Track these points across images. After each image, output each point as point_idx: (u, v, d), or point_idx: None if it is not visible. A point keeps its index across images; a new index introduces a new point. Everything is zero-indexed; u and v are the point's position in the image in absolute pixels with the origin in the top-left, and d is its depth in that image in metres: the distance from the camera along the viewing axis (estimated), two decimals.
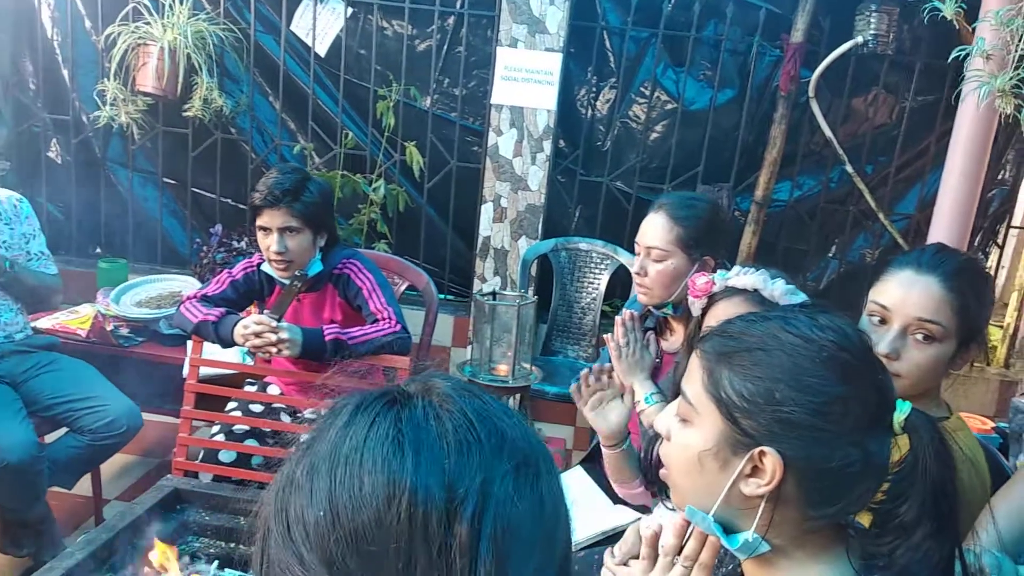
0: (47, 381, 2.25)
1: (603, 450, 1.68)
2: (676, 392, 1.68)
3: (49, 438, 2.29)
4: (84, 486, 2.46)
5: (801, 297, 1.37)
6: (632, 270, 1.77)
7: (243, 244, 3.46)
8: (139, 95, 3.46)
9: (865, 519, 0.89)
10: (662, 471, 0.95)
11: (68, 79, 3.65)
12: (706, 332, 0.96)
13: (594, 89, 3.62)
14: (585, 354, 3.25)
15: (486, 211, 3.54)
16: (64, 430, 2.26)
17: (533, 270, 3.38)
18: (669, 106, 3.59)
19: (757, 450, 0.83)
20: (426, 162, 3.54)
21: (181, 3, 3.39)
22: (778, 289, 1.36)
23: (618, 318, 1.80)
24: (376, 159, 3.63)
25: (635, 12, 3.46)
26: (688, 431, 0.89)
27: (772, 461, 0.83)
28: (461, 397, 0.57)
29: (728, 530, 0.88)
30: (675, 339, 1.82)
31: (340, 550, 0.51)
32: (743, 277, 1.40)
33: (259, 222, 2.04)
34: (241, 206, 3.76)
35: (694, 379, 0.90)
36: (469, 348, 3.67)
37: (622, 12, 3.52)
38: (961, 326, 1.26)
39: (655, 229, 1.74)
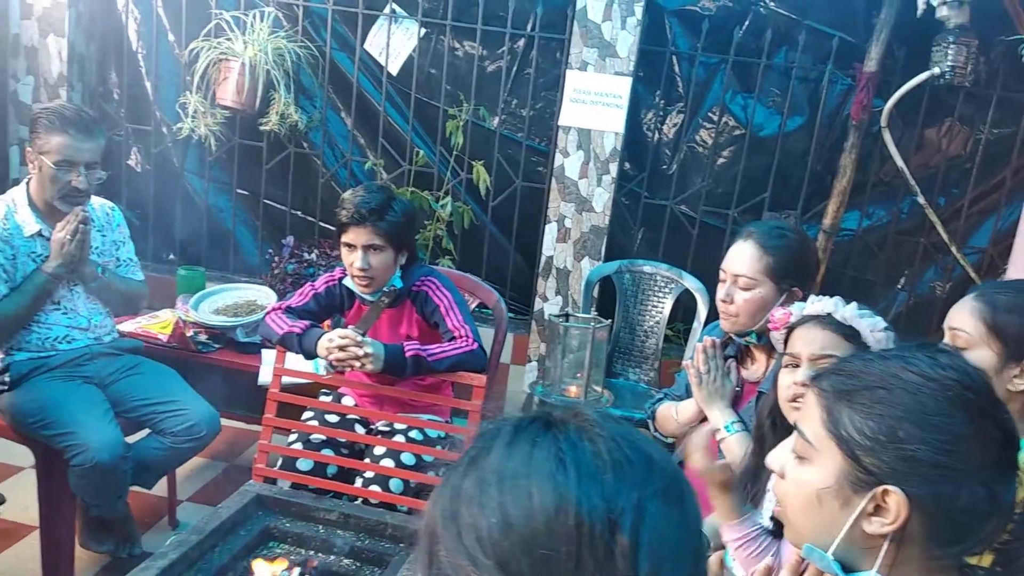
0: (132, 383, 2.33)
1: (720, 446, 1.68)
2: (759, 424, 1.68)
3: (131, 439, 2.36)
4: (159, 486, 2.54)
5: (875, 319, 1.37)
6: (717, 297, 1.77)
7: (313, 256, 3.54)
8: (218, 108, 3.58)
9: (987, 559, 0.89)
10: (776, 507, 0.96)
11: (151, 91, 3.79)
12: (821, 370, 0.97)
13: (661, 113, 3.64)
14: (647, 377, 3.24)
15: (550, 231, 3.57)
16: (146, 432, 2.33)
17: (595, 291, 3.39)
18: (737, 132, 3.59)
19: (880, 488, 0.84)
20: (492, 181, 3.59)
21: (262, 20, 3.51)
22: (849, 311, 1.37)
23: (699, 344, 1.80)
24: (443, 177, 3.69)
25: (705, 38, 3.47)
26: (806, 468, 0.90)
27: (896, 500, 0.83)
28: (607, 423, 0.62)
29: (847, 569, 0.89)
30: (756, 368, 1.81)
31: (513, 554, 0.56)
32: (816, 304, 1.42)
33: (344, 238, 2.09)
34: (310, 219, 3.86)
35: (811, 416, 0.90)
36: (528, 366, 3.71)
37: (692, 38, 3.54)
38: None
39: (744, 257, 1.74)
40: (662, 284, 3.25)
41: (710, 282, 3.35)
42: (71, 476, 2.11)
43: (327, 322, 2.43)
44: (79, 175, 2.18)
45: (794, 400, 1.38)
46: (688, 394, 1.91)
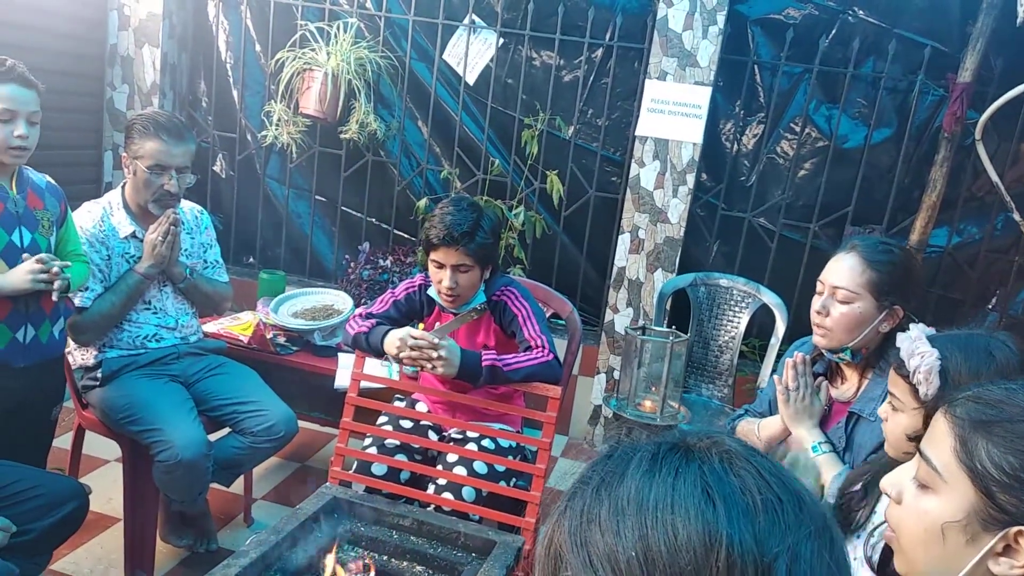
0: (216, 383, 2.39)
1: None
2: (846, 443, 1.61)
3: (212, 437, 2.42)
4: (236, 484, 2.59)
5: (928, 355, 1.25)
6: (812, 309, 1.70)
7: (388, 263, 3.59)
8: (300, 117, 3.67)
9: None
10: (887, 532, 0.91)
11: (237, 99, 3.92)
12: (959, 397, 0.91)
13: (741, 123, 3.57)
14: (720, 394, 3.17)
15: (623, 241, 3.53)
16: (227, 430, 2.39)
17: (668, 304, 3.33)
18: (820, 143, 3.48)
19: (1015, 529, 0.78)
20: (565, 190, 3.58)
21: (345, 31, 3.58)
22: (906, 345, 1.25)
23: (788, 360, 1.74)
24: (516, 186, 3.70)
25: (789, 47, 3.38)
26: (929, 498, 0.85)
27: None
28: (751, 456, 0.59)
29: None
30: (847, 388, 1.74)
31: None
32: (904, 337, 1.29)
33: (433, 256, 2.09)
34: (385, 226, 3.92)
35: (941, 444, 0.85)
36: (597, 378, 3.67)
37: (775, 47, 3.45)
38: None
39: (845, 269, 1.66)
40: (738, 298, 3.18)
41: (789, 297, 3.28)
42: (155, 471, 2.18)
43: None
44: (171, 179, 2.26)
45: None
46: (772, 411, 1.85)
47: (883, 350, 1.67)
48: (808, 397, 1.69)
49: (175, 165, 2.25)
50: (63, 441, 2.86)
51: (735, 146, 3.59)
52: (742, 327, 3.15)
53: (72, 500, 1.84)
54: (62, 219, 2.17)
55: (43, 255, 1.97)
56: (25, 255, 1.98)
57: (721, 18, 3.25)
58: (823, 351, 1.72)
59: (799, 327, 2.28)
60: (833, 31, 3.38)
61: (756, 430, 1.85)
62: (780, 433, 1.77)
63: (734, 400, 3.13)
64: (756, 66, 3.50)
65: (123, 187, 2.34)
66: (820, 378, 1.75)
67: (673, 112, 3.36)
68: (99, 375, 2.29)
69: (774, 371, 2.06)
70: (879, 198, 3.45)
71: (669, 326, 3.22)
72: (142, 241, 2.28)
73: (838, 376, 1.77)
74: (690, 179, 3.39)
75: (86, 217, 2.29)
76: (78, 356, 2.35)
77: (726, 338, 3.20)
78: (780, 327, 3.00)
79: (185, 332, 2.46)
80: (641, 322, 3.45)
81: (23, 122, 1.94)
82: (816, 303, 1.69)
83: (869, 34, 3.35)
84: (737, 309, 3.18)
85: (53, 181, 2.20)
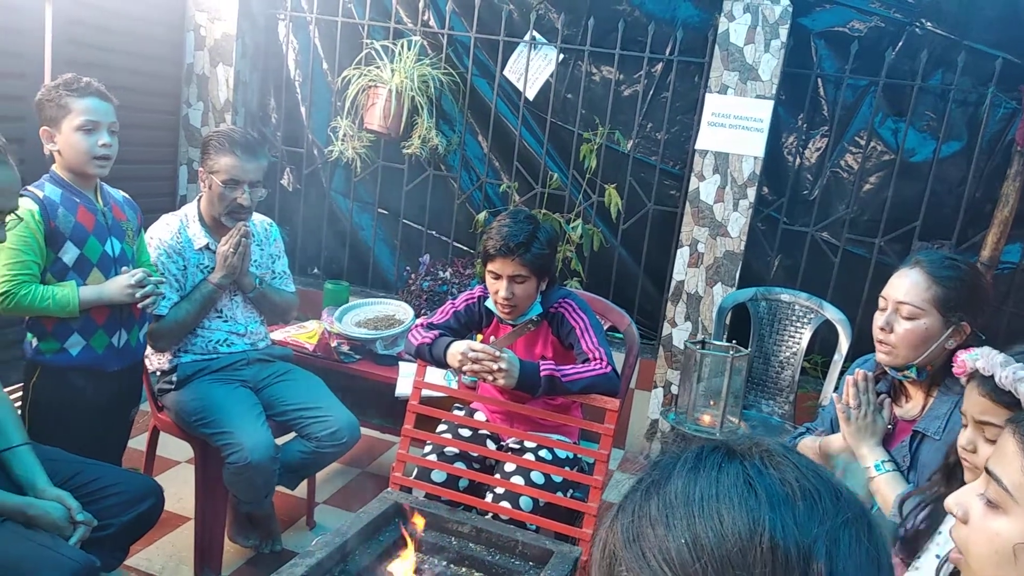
0: (283, 389, 2.48)
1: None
2: (910, 462, 1.58)
3: (278, 441, 2.50)
4: (299, 488, 2.67)
5: None
6: (875, 325, 1.68)
7: (447, 274, 3.66)
8: (365, 132, 3.77)
9: None
10: (953, 555, 0.90)
11: (305, 116, 4.05)
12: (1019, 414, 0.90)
13: (803, 137, 3.53)
14: (781, 410, 3.12)
15: (681, 255, 3.52)
16: (292, 435, 2.47)
17: (727, 318, 3.30)
18: (886, 157, 3.42)
19: None
20: (623, 203, 3.59)
21: (409, 49, 3.68)
22: (1009, 374, 1.19)
23: (849, 377, 1.72)
24: (574, 199, 3.72)
25: (854, 60, 3.34)
26: (999, 519, 0.84)
27: None
28: (789, 453, 0.62)
29: None
30: (912, 406, 1.71)
31: (704, 574, 0.56)
32: (983, 359, 1.25)
33: (490, 267, 2.13)
34: (444, 238, 3.99)
35: (1011, 463, 0.84)
36: (654, 392, 3.66)
37: (840, 59, 3.41)
38: None
39: (910, 285, 1.63)
40: (800, 314, 3.13)
41: (853, 313, 3.22)
42: (225, 473, 2.27)
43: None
44: (244, 193, 2.36)
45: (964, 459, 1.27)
46: (834, 429, 1.83)
47: (949, 368, 1.63)
48: (870, 415, 1.67)
49: (248, 180, 2.35)
50: (138, 442, 2.99)
51: (798, 160, 3.55)
52: (804, 343, 3.10)
53: (149, 498, 1.93)
54: (138, 230, 2.30)
55: (139, 273, 2.08)
56: (125, 268, 2.11)
57: (784, 31, 3.23)
58: (887, 369, 1.70)
59: (863, 344, 2.24)
60: (900, 43, 3.32)
61: (817, 448, 1.83)
62: (842, 452, 1.75)
63: (795, 417, 3.08)
64: (820, 79, 3.46)
65: (199, 200, 2.46)
66: (883, 396, 1.72)
67: (734, 126, 3.34)
68: (174, 379, 2.40)
69: (836, 388, 2.03)
70: (948, 213, 3.36)
71: (729, 340, 3.21)
72: (215, 252, 2.39)
73: (902, 394, 1.74)
74: (751, 193, 3.37)
75: (164, 229, 2.41)
76: (155, 360, 2.46)
77: (787, 354, 3.16)
78: (843, 344, 2.95)
79: (254, 339, 2.55)
80: (700, 336, 3.43)
81: (105, 132, 2.07)
82: (879, 319, 1.66)
83: (937, 46, 3.28)
84: (799, 324, 3.14)
85: (127, 195, 2.32)
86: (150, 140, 3.73)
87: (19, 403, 2.10)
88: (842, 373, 2.63)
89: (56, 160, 2.08)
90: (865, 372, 1.72)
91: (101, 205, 2.15)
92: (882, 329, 1.65)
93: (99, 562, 1.70)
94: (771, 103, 3.29)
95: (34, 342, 2.10)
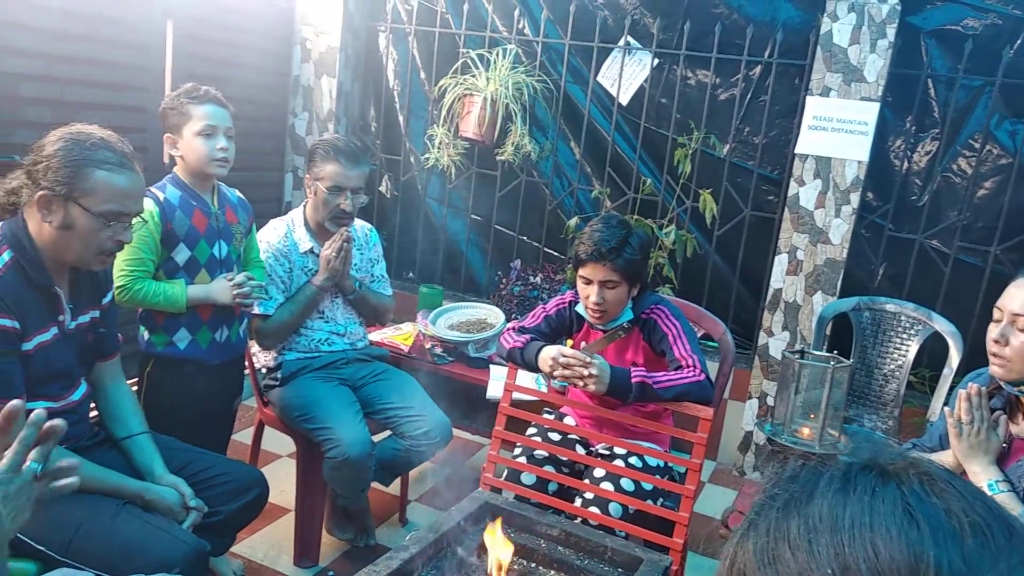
0: (380, 388, 2.56)
1: None
2: None
3: (374, 438, 2.58)
4: (393, 485, 2.75)
5: None
6: (989, 337, 1.59)
7: (538, 279, 3.68)
8: (460, 140, 3.85)
9: None
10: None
11: (403, 124, 4.17)
12: None
13: (912, 140, 3.37)
14: (885, 425, 2.99)
15: (779, 263, 3.43)
16: (388, 433, 2.55)
17: (828, 328, 3.19)
18: (1003, 160, 3.23)
19: None
20: (719, 209, 3.53)
21: (504, 57, 3.73)
22: None
23: (961, 391, 1.64)
24: (667, 205, 3.68)
25: (967, 59, 3.17)
26: None
27: None
28: (952, 479, 0.56)
29: None
30: None
31: None
32: None
33: (581, 272, 2.14)
34: (535, 244, 4.02)
35: None
36: (748, 403, 3.57)
37: (952, 59, 3.25)
38: None
39: None
40: (907, 325, 3.00)
41: (964, 325, 3.05)
42: (325, 467, 2.36)
43: None
44: (346, 199, 2.45)
45: None
46: (943, 446, 1.75)
47: None
48: (984, 432, 1.58)
49: (351, 186, 2.45)
50: (244, 436, 3.14)
51: (905, 164, 3.39)
52: (910, 356, 2.96)
53: (255, 488, 2.03)
54: (248, 230, 2.42)
55: (241, 276, 2.21)
56: (230, 275, 2.23)
57: (891, 31, 3.10)
58: (1002, 383, 1.61)
59: (976, 358, 2.13)
60: (1018, 41, 3.13)
61: None
62: (952, 469, 1.67)
63: (900, 433, 2.94)
64: (930, 80, 3.30)
65: (304, 206, 2.57)
66: (998, 412, 1.63)
67: (837, 129, 3.23)
68: (279, 375, 2.52)
69: (946, 404, 1.93)
70: None
71: (829, 351, 3.10)
72: (319, 256, 2.49)
73: (1018, 411, 1.64)
74: (854, 198, 3.25)
75: (272, 233, 2.54)
76: (261, 358, 2.59)
77: (892, 367, 3.02)
78: (954, 357, 2.80)
79: (353, 339, 2.65)
80: (798, 346, 3.32)
81: (222, 136, 2.20)
82: (993, 331, 1.58)
83: None
84: (905, 336, 3.00)
85: (242, 196, 2.46)
86: (258, 148, 3.92)
87: (135, 389, 2.25)
88: (952, 388, 2.50)
89: (178, 164, 2.23)
90: (978, 386, 1.63)
91: (216, 208, 2.28)
92: (996, 342, 1.56)
93: (209, 546, 1.80)
94: (877, 105, 3.16)
95: (146, 335, 2.25)
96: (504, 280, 3.75)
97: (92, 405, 1.91)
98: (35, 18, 2.63)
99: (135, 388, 2.22)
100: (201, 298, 2.19)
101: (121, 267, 2.08)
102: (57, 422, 1.08)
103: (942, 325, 2.87)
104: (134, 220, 1.72)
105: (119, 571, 1.62)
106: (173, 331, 2.23)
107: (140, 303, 2.13)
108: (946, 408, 1.66)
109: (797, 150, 3.32)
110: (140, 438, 1.89)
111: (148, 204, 2.09)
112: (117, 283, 2.06)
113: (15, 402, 1.11)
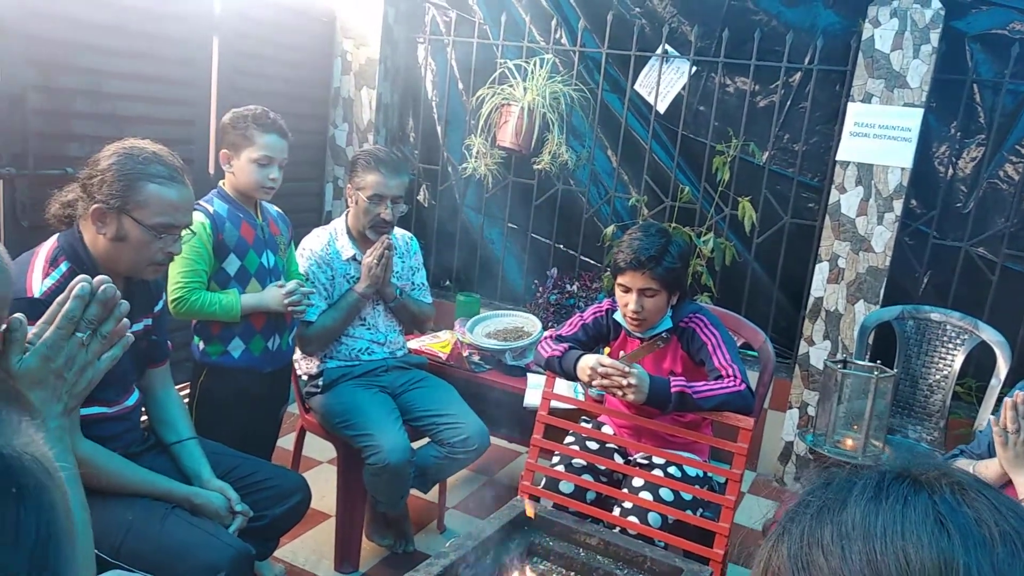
0: (419, 395, 2.59)
1: None
2: None
3: (413, 445, 2.61)
4: (431, 492, 2.77)
5: None
6: None
7: (574, 288, 3.69)
8: (497, 149, 3.88)
9: None
10: None
11: (440, 134, 4.21)
12: None
13: (957, 146, 3.31)
14: (930, 437, 2.93)
15: (820, 271, 3.39)
16: (426, 440, 2.57)
17: (870, 338, 3.14)
18: None
19: None
20: (758, 217, 3.50)
21: (541, 67, 3.75)
22: None
23: (1007, 400, 1.61)
24: (706, 213, 3.66)
25: (1015, 63, 3.11)
26: None
27: None
28: (983, 488, 0.57)
29: None
30: None
31: None
32: None
33: (620, 280, 2.14)
34: (571, 252, 4.02)
35: None
36: (788, 412, 3.52)
37: (998, 64, 3.18)
38: None
39: None
40: (952, 335, 2.94)
41: (1013, 335, 2.98)
42: (365, 473, 2.39)
43: None
44: (387, 208, 2.49)
45: None
46: (991, 453, 1.72)
47: None
48: None
49: (391, 196, 2.49)
50: (285, 441, 3.19)
51: (950, 171, 3.33)
52: (956, 366, 2.90)
53: (298, 493, 2.07)
54: (289, 242, 2.48)
55: (292, 284, 2.25)
56: (281, 283, 2.28)
57: (935, 36, 3.06)
58: None
59: None
60: None
61: (972, 471, 1.71)
62: (998, 478, 1.64)
63: (945, 444, 2.88)
64: (975, 85, 3.24)
65: (346, 215, 2.62)
66: None
67: (879, 135, 3.19)
68: (320, 383, 2.56)
69: (993, 414, 1.89)
70: None
71: (871, 361, 3.05)
72: (361, 264, 2.53)
73: None
74: (897, 205, 3.20)
75: (315, 241, 2.59)
76: (304, 365, 2.64)
77: (937, 377, 2.96)
78: (1001, 367, 2.74)
79: (393, 347, 2.69)
80: (840, 355, 3.28)
81: (276, 167, 2.26)
82: None
83: None
84: (951, 346, 2.94)
85: (280, 210, 2.51)
86: (300, 159, 3.99)
87: (186, 400, 2.31)
88: (1000, 398, 2.44)
89: (227, 178, 2.29)
90: None
91: (260, 220, 2.33)
92: None
93: (254, 550, 1.83)
94: (920, 111, 3.11)
95: (201, 345, 2.31)
96: (540, 288, 3.76)
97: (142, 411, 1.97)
98: (88, 36, 2.72)
99: (186, 397, 2.29)
100: (254, 306, 2.24)
101: (176, 279, 2.13)
102: (106, 287, 1.06)
103: (989, 334, 2.81)
104: (183, 232, 1.77)
105: (168, 573, 1.66)
106: (228, 340, 2.28)
107: (197, 314, 2.19)
108: (992, 417, 1.64)
109: (838, 157, 3.28)
110: (188, 443, 1.94)
111: (199, 216, 2.14)
112: (173, 295, 2.12)
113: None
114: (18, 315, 1.00)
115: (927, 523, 0.53)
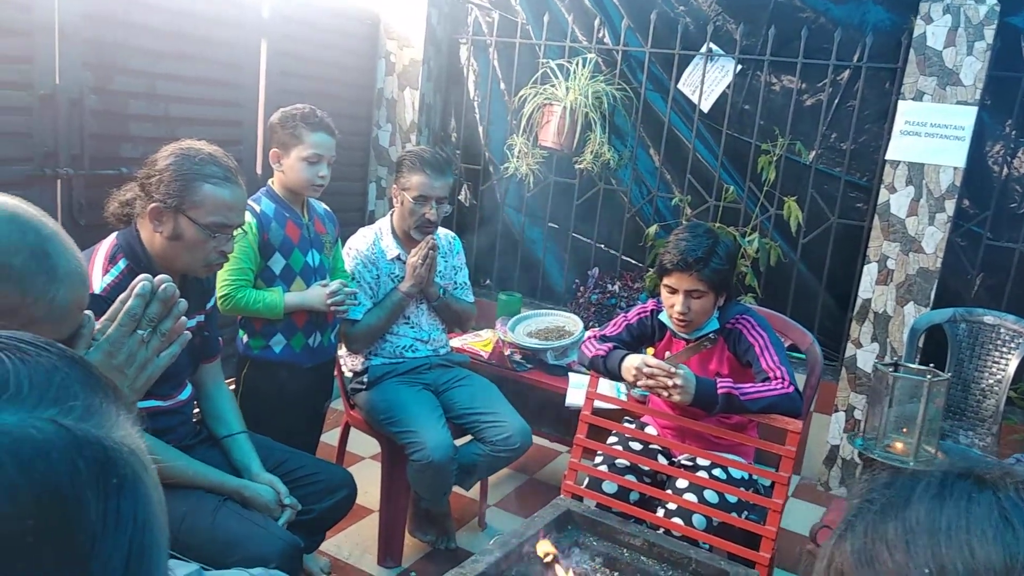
0: (461, 393, 2.61)
1: None
2: None
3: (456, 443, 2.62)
4: (473, 490, 2.79)
5: None
6: None
7: (616, 287, 3.68)
8: (539, 148, 3.88)
9: None
10: None
11: (482, 134, 4.23)
12: None
13: (1012, 145, 3.22)
14: (983, 442, 2.86)
15: (869, 272, 3.33)
16: (468, 437, 2.59)
17: (920, 340, 3.07)
18: None
19: None
20: (804, 217, 3.45)
21: (583, 66, 3.75)
22: None
23: None
24: (750, 212, 3.62)
25: None
26: None
27: None
28: None
29: None
30: None
31: None
32: None
33: (666, 281, 2.12)
34: (613, 252, 4.01)
35: None
36: (834, 416, 3.47)
37: None
38: None
39: None
40: (1007, 338, 2.86)
41: None
42: (409, 470, 2.42)
43: None
44: (431, 208, 2.51)
45: None
46: None
47: None
48: None
49: (436, 196, 2.51)
50: (330, 437, 3.24)
51: (1005, 170, 3.25)
52: (1011, 370, 2.83)
53: (344, 487, 2.10)
54: (336, 240, 2.51)
55: (335, 284, 2.29)
56: (324, 283, 2.32)
57: (990, 32, 2.98)
58: None
59: None
60: None
61: None
62: None
63: (999, 450, 2.81)
64: None
65: (391, 215, 2.64)
66: None
67: (931, 134, 3.12)
68: (365, 380, 2.59)
69: None
70: None
71: (922, 364, 2.99)
72: (405, 263, 2.56)
73: None
74: (949, 206, 3.12)
75: (361, 240, 2.62)
76: (349, 362, 2.67)
77: (991, 381, 2.89)
78: None
79: (436, 345, 2.71)
80: (888, 358, 3.21)
81: (325, 164, 2.30)
82: None
83: None
84: (1005, 350, 2.87)
85: (328, 208, 2.55)
86: (344, 160, 4.03)
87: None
88: None
89: (275, 177, 2.33)
90: None
91: (306, 219, 2.37)
92: None
93: (303, 543, 1.87)
94: (974, 109, 3.03)
95: (245, 339, 2.36)
96: (582, 288, 3.76)
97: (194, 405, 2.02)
98: (141, 39, 2.79)
99: (232, 389, 2.33)
100: (297, 304, 2.28)
101: (224, 277, 2.18)
102: (166, 286, 1.07)
103: None
104: (235, 232, 1.81)
105: (219, 564, 1.69)
106: (270, 336, 2.33)
107: (242, 310, 2.24)
108: None
109: (888, 156, 3.22)
110: (239, 437, 1.98)
111: (246, 216, 2.19)
112: (220, 292, 2.17)
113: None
114: (87, 312, 1.03)
115: (992, 518, 0.54)
